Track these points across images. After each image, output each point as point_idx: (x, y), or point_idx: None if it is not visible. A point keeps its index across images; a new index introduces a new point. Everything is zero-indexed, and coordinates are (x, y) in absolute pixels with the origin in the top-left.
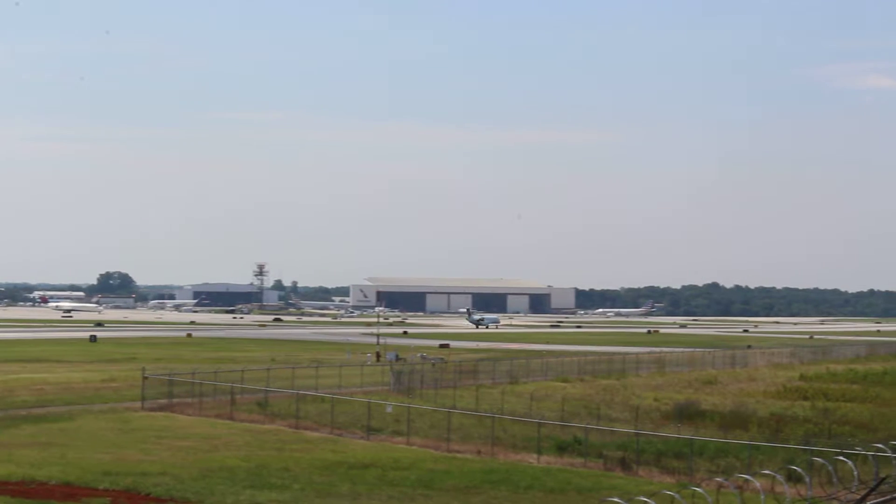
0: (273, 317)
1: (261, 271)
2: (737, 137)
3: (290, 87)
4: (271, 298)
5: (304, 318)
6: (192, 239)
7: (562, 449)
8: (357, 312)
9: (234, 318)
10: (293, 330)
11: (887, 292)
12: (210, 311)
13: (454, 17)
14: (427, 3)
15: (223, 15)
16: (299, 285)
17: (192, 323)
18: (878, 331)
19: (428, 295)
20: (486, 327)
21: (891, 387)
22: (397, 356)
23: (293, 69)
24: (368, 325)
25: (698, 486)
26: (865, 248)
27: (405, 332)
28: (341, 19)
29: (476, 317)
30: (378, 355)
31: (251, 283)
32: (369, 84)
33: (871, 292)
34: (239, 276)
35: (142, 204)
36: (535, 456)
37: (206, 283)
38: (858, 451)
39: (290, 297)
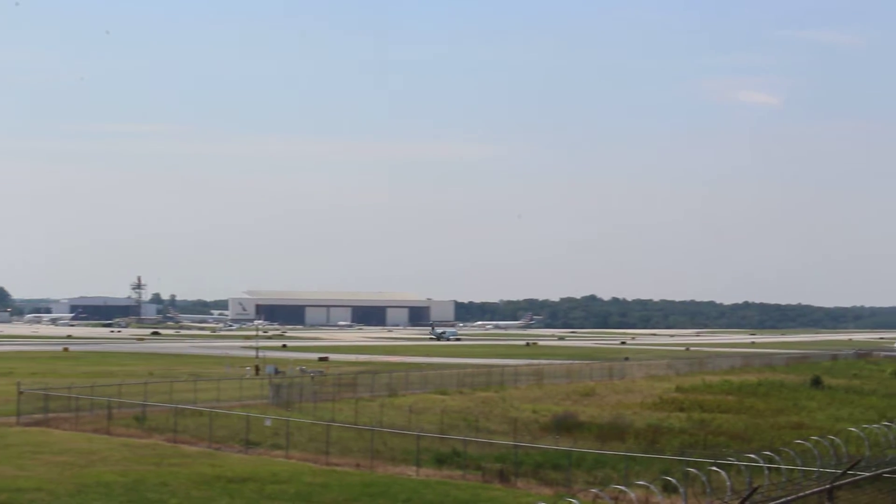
0: (151, 330)
1: (139, 285)
2: (612, 150)
3: (171, 100)
4: (149, 312)
5: (183, 332)
6: (69, 252)
7: (441, 461)
8: (236, 326)
9: (112, 331)
10: (171, 344)
11: (762, 304)
12: (87, 325)
13: (342, 31)
14: (318, 14)
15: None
16: (178, 299)
17: (69, 337)
18: (753, 342)
19: (307, 308)
20: (448, 340)
21: (765, 398)
22: (276, 369)
23: (174, 82)
24: (247, 338)
25: (575, 497)
26: (740, 260)
27: (284, 346)
28: (219, 30)
29: (438, 330)
30: (257, 369)
31: (129, 297)
32: (251, 97)
33: (746, 304)
34: (117, 290)
35: (17, 216)
36: (414, 468)
37: (84, 297)
38: (732, 461)
39: (169, 311)
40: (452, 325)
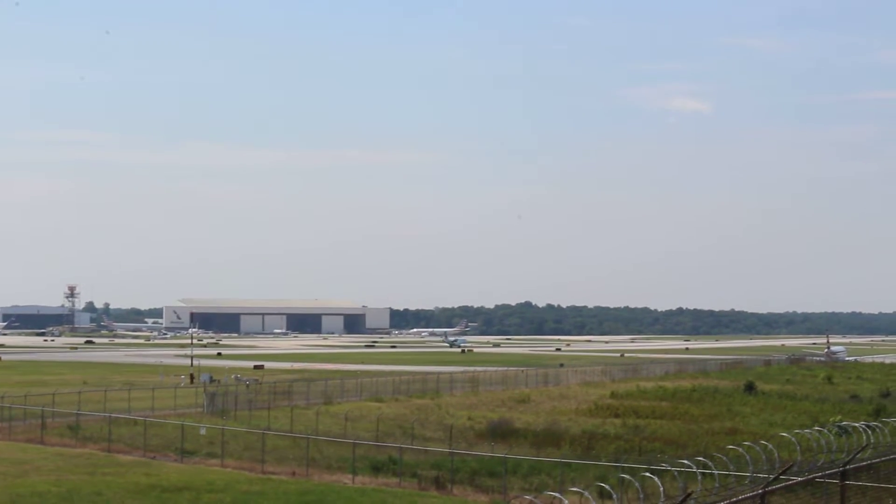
0: (85, 339)
1: (72, 293)
2: (550, 156)
3: (105, 107)
4: (83, 321)
5: (117, 341)
6: (0, 261)
7: (376, 469)
8: (170, 334)
9: (45, 340)
10: (106, 352)
11: (695, 310)
12: (20, 334)
13: (264, 38)
14: (226, 22)
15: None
16: (112, 307)
17: (2, 346)
18: (687, 348)
19: (242, 316)
20: (460, 347)
21: (699, 403)
22: (211, 378)
23: (99, 89)
24: (182, 346)
25: (509, 503)
26: (674, 267)
27: (219, 354)
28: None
29: (451, 338)
30: (192, 377)
31: (62, 306)
32: (181, 106)
33: (680, 311)
34: (50, 299)
35: None
36: (350, 476)
37: (16, 306)
38: (666, 467)
39: (103, 320)
40: (462, 334)
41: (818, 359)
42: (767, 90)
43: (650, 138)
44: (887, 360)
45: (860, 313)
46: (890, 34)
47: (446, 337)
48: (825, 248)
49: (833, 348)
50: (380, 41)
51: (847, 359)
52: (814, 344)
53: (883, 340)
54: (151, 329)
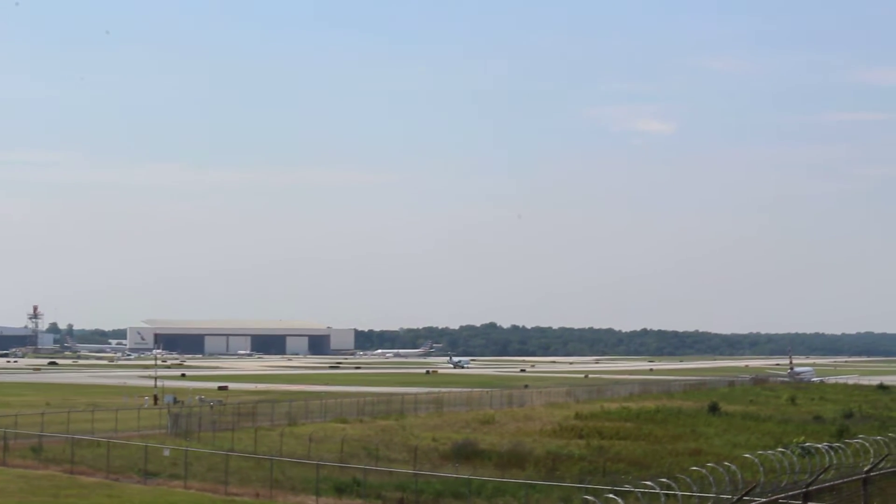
0: (48, 360)
1: (35, 314)
2: (516, 176)
3: (69, 127)
4: (46, 341)
5: (81, 362)
6: None
7: (341, 490)
8: (134, 355)
9: (8, 361)
10: (69, 374)
11: (659, 331)
12: None
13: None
14: (186, 41)
15: None
16: (75, 328)
17: None
18: (651, 369)
19: (206, 337)
20: (463, 368)
21: (663, 424)
22: (175, 399)
23: (61, 109)
24: (146, 367)
25: None
26: (638, 288)
27: (183, 375)
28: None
29: (455, 359)
30: (155, 398)
31: (25, 326)
32: (137, 125)
33: (644, 332)
34: (13, 319)
35: None
36: (313, 498)
37: None
38: (630, 488)
39: (66, 340)
40: (464, 356)
41: (781, 379)
42: (734, 111)
43: (616, 159)
44: (850, 381)
45: (823, 334)
46: (858, 55)
47: (450, 358)
48: (789, 268)
49: (799, 369)
50: (347, 60)
51: (814, 379)
52: (777, 365)
53: (846, 361)
54: (115, 350)
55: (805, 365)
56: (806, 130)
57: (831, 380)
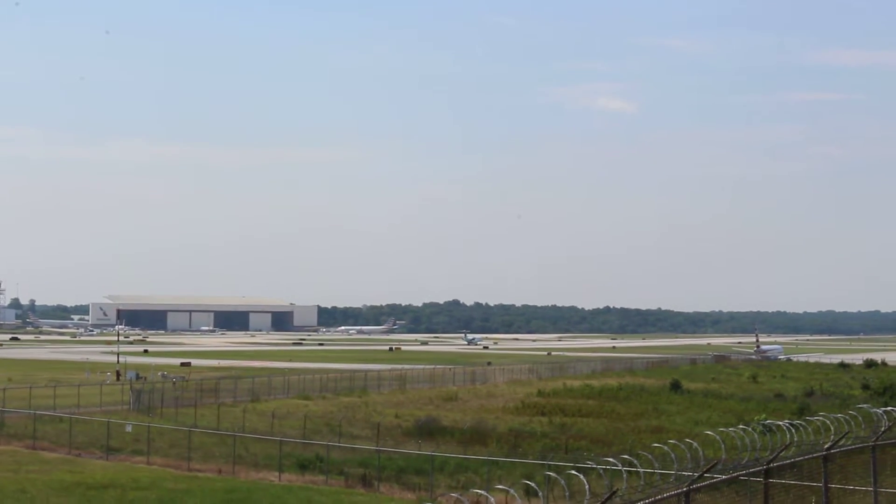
0: (10, 336)
1: None
2: (476, 156)
3: (29, 104)
4: (8, 317)
5: (43, 338)
6: None
7: (303, 467)
8: (97, 331)
9: None
10: (31, 349)
11: (622, 309)
12: None
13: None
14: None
15: None
16: (38, 303)
17: None
18: (614, 347)
19: (169, 313)
20: (477, 345)
21: (625, 402)
22: (137, 375)
23: (22, 85)
24: (108, 343)
25: (436, 501)
26: (601, 266)
27: (146, 351)
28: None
29: (469, 336)
30: (118, 374)
31: None
32: (98, 102)
33: (607, 309)
34: None
35: None
36: (276, 474)
37: None
38: (592, 465)
39: (28, 316)
40: (477, 334)
41: (751, 357)
42: (693, 90)
43: (576, 138)
44: (817, 360)
45: (785, 312)
46: (817, 35)
47: (465, 335)
48: (751, 248)
49: (766, 347)
50: (306, 40)
51: (781, 357)
52: (739, 343)
53: (807, 340)
54: (78, 326)
55: (766, 343)
56: (765, 110)
57: (800, 358)
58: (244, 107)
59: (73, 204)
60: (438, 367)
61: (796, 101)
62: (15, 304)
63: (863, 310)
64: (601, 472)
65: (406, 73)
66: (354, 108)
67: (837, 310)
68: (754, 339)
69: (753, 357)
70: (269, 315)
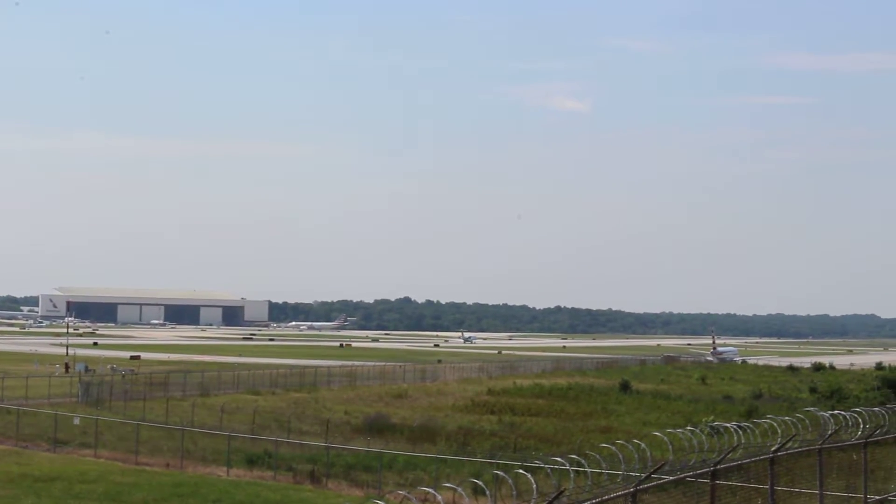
0: None
1: None
2: (428, 152)
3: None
4: None
5: None
6: None
7: (252, 462)
8: (46, 323)
9: None
10: None
11: (573, 309)
12: None
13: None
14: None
15: None
16: None
17: None
18: (564, 346)
19: (119, 306)
20: (472, 343)
21: (574, 401)
22: (86, 367)
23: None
24: (58, 335)
25: (383, 498)
26: (552, 266)
27: (95, 343)
28: None
29: (466, 335)
30: (67, 366)
31: None
32: (52, 91)
33: (558, 309)
34: None
35: None
36: (224, 469)
37: None
38: (540, 464)
39: None
40: (471, 332)
41: (706, 358)
42: (649, 92)
43: (532, 137)
44: (771, 362)
45: (735, 315)
46: (773, 39)
47: (462, 334)
48: (702, 249)
49: (722, 349)
50: (262, 36)
51: (736, 359)
52: (689, 345)
53: (756, 342)
54: (27, 317)
55: (720, 346)
56: (719, 113)
57: (754, 360)
58: (197, 100)
59: (23, 195)
60: (389, 364)
61: (750, 104)
62: None
63: (812, 313)
64: (549, 471)
65: (362, 69)
66: (310, 103)
67: (787, 313)
68: (710, 341)
69: (710, 358)
70: (220, 309)
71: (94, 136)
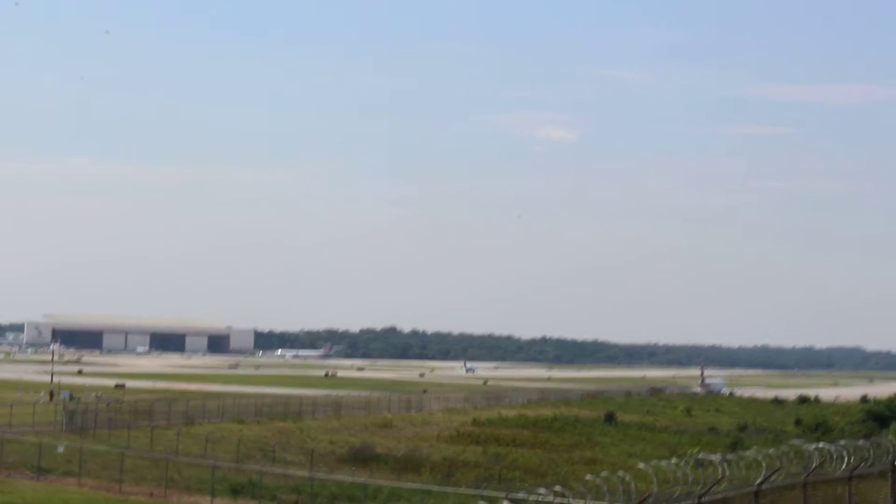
0: None
1: None
2: (416, 183)
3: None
4: None
5: None
6: None
7: (236, 491)
8: (31, 350)
9: None
10: None
11: (559, 340)
12: None
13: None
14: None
15: None
16: None
17: None
18: (550, 377)
19: (105, 334)
20: (474, 372)
21: (559, 432)
22: (71, 395)
23: None
24: (43, 363)
25: None
26: (538, 296)
27: (80, 371)
28: None
29: (469, 365)
30: (51, 394)
31: None
32: (34, 116)
33: (544, 339)
34: None
35: None
36: (208, 498)
37: None
38: (523, 495)
39: None
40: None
41: (695, 390)
42: (637, 122)
43: (516, 166)
44: (758, 394)
45: (720, 346)
46: (760, 70)
47: (465, 364)
48: (688, 280)
49: (710, 380)
50: (249, 62)
51: (724, 391)
52: (674, 376)
53: (741, 374)
54: (12, 344)
55: (706, 377)
56: (705, 143)
57: (741, 391)
58: (183, 126)
59: (8, 220)
60: (374, 393)
61: (736, 135)
62: None
63: (797, 345)
64: (534, 502)
65: (347, 97)
66: (294, 130)
67: (772, 345)
68: (698, 372)
69: (698, 390)
70: (206, 338)
71: (81, 161)
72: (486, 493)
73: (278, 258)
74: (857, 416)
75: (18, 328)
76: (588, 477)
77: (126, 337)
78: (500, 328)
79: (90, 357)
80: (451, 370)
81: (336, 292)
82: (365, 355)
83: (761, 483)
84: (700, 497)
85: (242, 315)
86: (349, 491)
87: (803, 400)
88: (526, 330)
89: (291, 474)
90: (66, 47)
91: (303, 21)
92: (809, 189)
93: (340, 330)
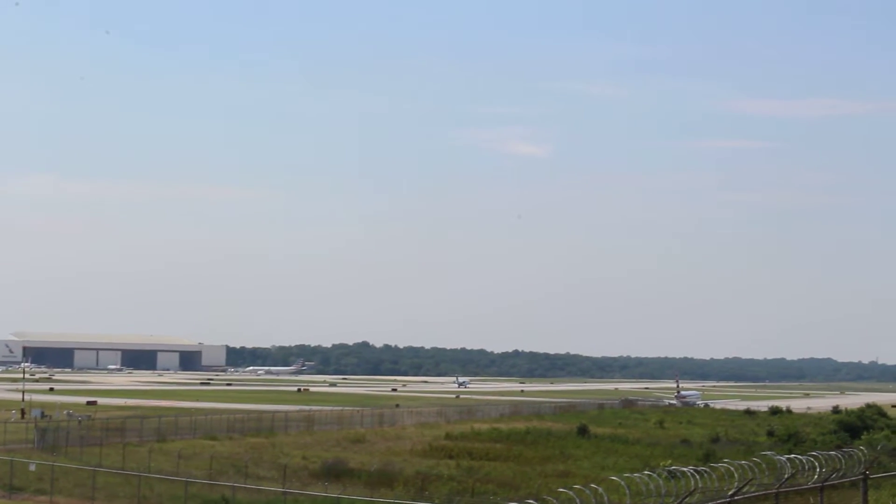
0: None
1: None
2: (386, 197)
3: None
4: None
5: None
6: None
7: None
8: (2, 368)
9: None
10: None
11: (531, 353)
12: None
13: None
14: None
15: None
16: None
17: None
18: (522, 391)
19: (76, 351)
20: (466, 387)
21: (532, 445)
22: (43, 413)
23: None
24: (14, 381)
25: None
26: (510, 310)
27: (52, 389)
28: None
29: (461, 380)
30: (23, 412)
31: None
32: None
33: (516, 353)
34: None
35: None
36: None
37: None
38: None
39: None
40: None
41: (671, 402)
42: (608, 136)
43: (487, 181)
44: (732, 406)
45: (692, 359)
46: (733, 84)
47: (457, 379)
48: (659, 293)
49: (685, 392)
50: (217, 79)
51: (699, 403)
52: (647, 388)
53: (714, 386)
54: None
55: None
56: (676, 157)
57: (715, 403)
58: (151, 144)
59: None
60: (347, 408)
61: (707, 149)
62: None
63: (768, 357)
64: None
65: (318, 113)
66: (263, 146)
67: (743, 357)
68: (672, 385)
69: (674, 402)
70: (178, 354)
71: (47, 179)
72: None
73: (250, 274)
74: (828, 427)
75: None
76: (561, 490)
77: (97, 354)
78: (473, 342)
79: (61, 375)
80: (425, 384)
81: (308, 308)
82: (337, 371)
83: (734, 494)
84: None
85: (214, 331)
86: None
87: (775, 411)
88: (498, 344)
89: (265, 490)
90: (32, 66)
91: (272, 39)
92: (781, 203)
93: (312, 345)
